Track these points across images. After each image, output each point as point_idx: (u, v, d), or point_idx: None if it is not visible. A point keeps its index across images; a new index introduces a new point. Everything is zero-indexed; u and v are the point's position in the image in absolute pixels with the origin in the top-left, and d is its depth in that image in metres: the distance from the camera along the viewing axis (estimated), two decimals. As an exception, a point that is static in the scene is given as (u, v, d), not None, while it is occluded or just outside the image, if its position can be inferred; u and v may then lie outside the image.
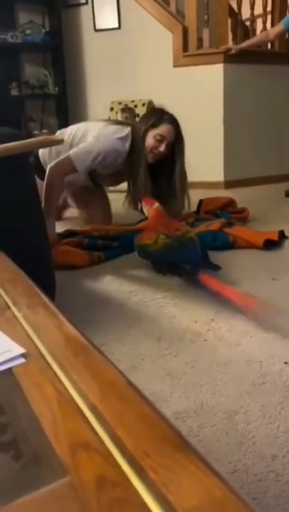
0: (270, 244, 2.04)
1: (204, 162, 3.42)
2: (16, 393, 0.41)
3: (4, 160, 1.19)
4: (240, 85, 3.53)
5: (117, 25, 3.78)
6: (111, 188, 2.76)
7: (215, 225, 2.22)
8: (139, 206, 1.93)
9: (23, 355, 0.47)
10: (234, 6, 3.66)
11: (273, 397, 1.00)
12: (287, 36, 3.70)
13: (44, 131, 3.85)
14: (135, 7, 3.67)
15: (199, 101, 3.52)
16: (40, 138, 1.38)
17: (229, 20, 3.61)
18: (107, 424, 0.35)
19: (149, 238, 1.77)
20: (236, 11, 3.64)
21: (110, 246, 2.06)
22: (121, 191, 2.57)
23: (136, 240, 1.83)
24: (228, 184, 3.60)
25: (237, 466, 0.81)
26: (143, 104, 3.60)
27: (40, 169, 2.28)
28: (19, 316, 0.56)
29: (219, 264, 1.71)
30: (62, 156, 2.21)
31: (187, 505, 0.27)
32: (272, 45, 3.78)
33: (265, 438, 0.87)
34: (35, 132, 3.74)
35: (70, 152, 2.21)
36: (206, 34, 3.44)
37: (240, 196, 2.96)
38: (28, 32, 3.79)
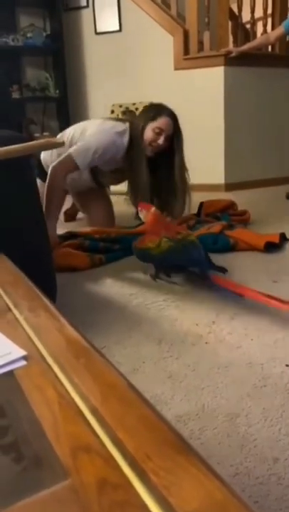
0: (271, 247, 2.04)
1: (205, 164, 3.42)
2: (17, 395, 0.41)
3: (5, 162, 1.19)
4: (240, 88, 3.54)
5: (117, 28, 3.80)
6: (112, 190, 2.76)
7: (216, 227, 2.22)
8: (135, 211, 1.90)
9: (24, 358, 0.47)
10: (235, 9, 3.67)
11: (275, 400, 0.99)
12: (287, 39, 3.71)
13: (45, 133, 3.86)
14: (136, 10, 3.68)
15: (200, 104, 3.53)
16: (41, 141, 1.38)
17: (230, 23, 3.62)
18: (108, 426, 0.34)
19: (152, 242, 1.75)
20: (237, 13, 3.65)
21: (112, 248, 2.06)
22: (122, 193, 2.57)
23: (135, 243, 1.81)
24: (229, 187, 3.60)
25: (238, 469, 0.81)
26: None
27: (43, 173, 2.29)
28: (20, 318, 0.56)
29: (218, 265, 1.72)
30: (63, 156, 2.22)
31: (188, 508, 0.27)
32: (272, 48, 3.79)
33: (266, 441, 0.87)
34: (37, 135, 3.74)
35: (71, 150, 2.22)
36: (206, 37, 3.45)
37: (241, 199, 2.96)
38: (29, 35, 3.80)
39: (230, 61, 3.40)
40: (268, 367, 1.12)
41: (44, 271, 1.37)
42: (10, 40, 3.67)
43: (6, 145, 1.20)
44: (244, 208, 2.68)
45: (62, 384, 0.41)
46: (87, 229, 2.32)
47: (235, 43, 3.76)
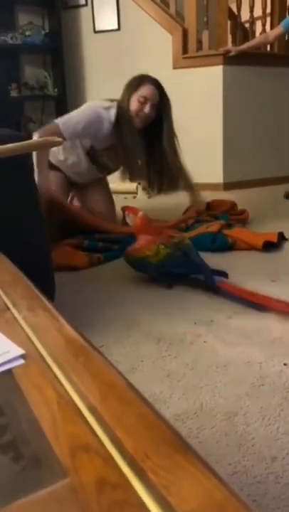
0: (270, 246, 2.04)
1: (203, 164, 3.42)
2: (16, 395, 0.40)
3: (3, 161, 1.19)
4: (239, 87, 3.54)
5: (116, 27, 3.79)
6: (113, 190, 2.76)
7: (214, 226, 2.22)
8: (122, 215, 1.87)
9: (22, 357, 0.47)
10: (234, 8, 3.67)
11: (273, 399, 1.00)
12: (286, 38, 3.71)
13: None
14: (135, 9, 3.68)
15: (199, 103, 3.53)
16: (40, 139, 1.38)
17: (229, 23, 3.62)
18: (107, 425, 0.34)
19: (149, 249, 1.67)
20: (236, 13, 3.65)
21: (110, 248, 2.06)
22: (122, 192, 2.57)
23: (127, 252, 1.74)
24: (228, 186, 3.61)
25: (236, 467, 0.81)
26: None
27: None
28: (19, 317, 0.56)
29: (218, 267, 1.71)
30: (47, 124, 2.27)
31: (187, 507, 0.27)
32: (271, 47, 3.79)
33: (264, 440, 0.87)
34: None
35: (57, 119, 2.26)
36: (205, 36, 3.45)
37: (240, 198, 2.96)
38: (27, 33, 3.80)
39: (229, 60, 3.40)
40: (266, 366, 1.12)
41: (43, 270, 1.37)
42: (8, 39, 3.67)
43: (4, 143, 1.20)
44: (243, 207, 2.69)
45: (60, 383, 0.41)
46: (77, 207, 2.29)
47: (234, 42, 3.77)
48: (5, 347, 0.49)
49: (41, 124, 4.00)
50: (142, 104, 2.25)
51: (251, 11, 3.59)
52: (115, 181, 2.74)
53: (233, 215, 2.57)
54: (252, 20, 3.68)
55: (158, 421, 0.35)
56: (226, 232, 2.17)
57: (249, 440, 0.87)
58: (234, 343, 1.24)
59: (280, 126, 3.81)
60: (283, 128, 3.82)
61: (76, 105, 4.03)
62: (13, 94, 3.73)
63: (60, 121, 2.24)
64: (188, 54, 3.54)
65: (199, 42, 3.50)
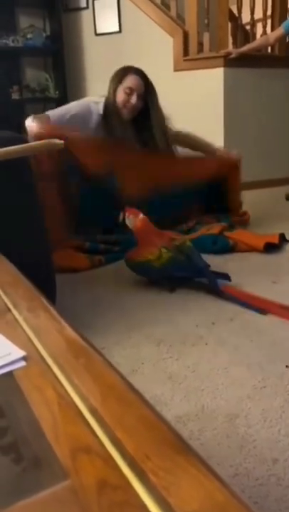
0: (271, 248, 2.04)
1: (204, 165, 3.41)
2: (17, 396, 0.40)
3: (4, 163, 1.19)
4: (240, 89, 3.54)
5: (117, 29, 3.80)
6: None
7: (215, 228, 2.22)
8: (121, 216, 1.79)
9: (23, 358, 0.47)
10: (234, 10, 3.67)
11: (274, 401, 0.99)
12: (287, 40, 3.71)
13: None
14: (136, 11, 3.68)
15: (200, 105, 3.53)
16: (41, 142, 1.38)
17: (229, 25, 3.62)
18: (107, 427, 0.34)
19: (151, 253, 1.65)
20: (236, 15, 3.65)
21: (111, 250, 2.06)
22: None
23: (128, 256, 1.73)
24: (229, 187, 3.60)
25: (238, 469, 0.81)
26: (143, 108, 3.60)
27: None
28: (20, 319, 0.56)
29: (219, 269, 1.71)
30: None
31: (188, 508, 0.27)
32: (272, 49, 3.79)
33: (266, 442, 0.87)
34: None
35: (49, 111, 2.31)
36: (206, 38, 3.45)
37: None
38: (29, 36, 3.80)
39: (230, 62, 3.40)
40: (267, 368, 1.12)
41: (44, 272, 1.37)
42: (10, 41, 3.68)
43: (5, 146, 1.20)
44: (243, 209, 2.68)
45: (61, 384, 0.41)
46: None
47: (235, 44, 3.77)
48: (6, 349, 0.49)
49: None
50: (128, 95, 2.26)
51: (252, 13, 3.59)
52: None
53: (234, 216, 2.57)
54: (253, 23, 3.69)
55: (158, 422, 0.35)
56: (226, 233, 2.17)
57: (251, 442, 0.87)
58: (235, 346, 1.24)
59: (281, 128, 3.81)
60: (284, 130, 3.82)
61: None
62: (15, 96, 3.74)
63: (51, 112, 2.29)
64: (189, 56, 3.54)
65: (200, 44, 3.50)
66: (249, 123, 3.65)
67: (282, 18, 3.63)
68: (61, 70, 3.92)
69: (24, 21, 3.87)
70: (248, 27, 3.83)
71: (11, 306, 0.59)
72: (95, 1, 3.81)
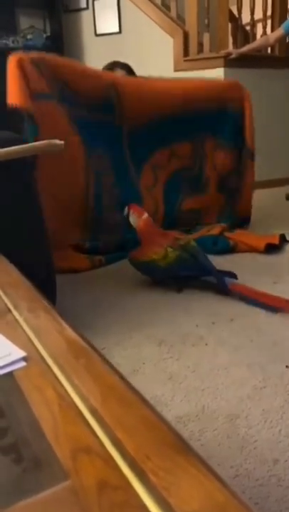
0: (271, 248, 2.04)
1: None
2: (17, 397, 0.40)
3: (4, 163, 1.19)
4: (240, 89, 3.54)
5: (117, 30, 3.80)
6: None
7: (216, 229, 2.22)
8: (125, 212, 1.77)
9: (24, 359, 0.47)
10: (234, 10, 3.67)
11: (275, 401, 0.99)
12: (287, 41, 3.71)
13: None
14: (136, 12, 3.68)
15: (200, 105, 3.52)
16: (42, 142, 1.38)
17: (229, 25, 3.62)
18: (107, 427, 0.34)
19: (156, 253, 1.65)
20: (236, 15, 3.65)
21: (112, 250, 2.06)
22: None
23: (132, 255, 1.72)
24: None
25: (238, 470, 0.81)
26: (144, 109, 3.60)
27: None
28: (20, 319, 0.56)
29: (220, 268, 1.71)
30: None
31: (188, 508, 0.27)
32: (272, 50, 3.80)
33: (266, 442, 0.87)
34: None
35: None
36: (206, 39, 3.45)
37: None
38: (29, 37, 3.81)
39: (230, 63, 3.40)
40: (267, 368, 1.12)
41: (44, 272, 1.37)
42: (10, 42, 3.68)
43: (5, 146, 1.20)
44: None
45: (62, 385, 0.41)
46: None
47: (235, 44, 3.77)
48: (6, 349, 0.49)
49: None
50: None
51: (252, 13, 3.60)
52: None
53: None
54: (253, 23, 3.69)
55: (159, 422, 0.35)
56: (227, 234, 2.17)
57: (251, 443, 0.87)
58: (236, 346, 1.24)
59: (281, 128, 3.81)
60: (284, 130, 3.82)
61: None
62: (15, 97, 3.74)
63: None
64: (189, 57, 3.54)
65: (200, 44, 3.51)
66: (249, 123, 3.65)
67: (282, 19, 3.63)
68: (61, 70, 3.92)
69: (24, 22, 3.88)
70: (248, 27, 3.83)
71: (11, 307, 0.59)
72: (95, 2, 3.81)
